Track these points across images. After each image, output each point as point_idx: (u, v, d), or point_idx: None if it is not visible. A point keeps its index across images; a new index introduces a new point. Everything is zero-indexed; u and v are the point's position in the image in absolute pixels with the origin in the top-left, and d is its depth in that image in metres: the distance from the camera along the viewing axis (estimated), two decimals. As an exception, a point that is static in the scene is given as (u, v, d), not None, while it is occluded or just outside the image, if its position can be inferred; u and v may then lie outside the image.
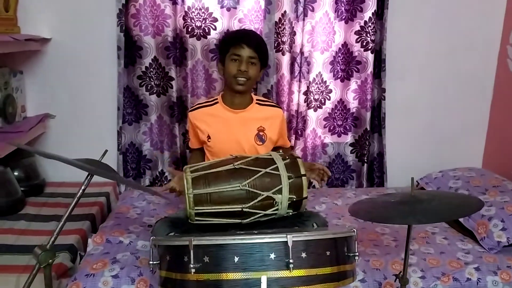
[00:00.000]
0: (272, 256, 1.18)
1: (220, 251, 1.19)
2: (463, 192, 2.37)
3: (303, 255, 1.20)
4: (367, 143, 2.83)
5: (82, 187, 1.45)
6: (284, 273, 1.17)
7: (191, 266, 1.18)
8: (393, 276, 1.82)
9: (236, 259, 1.17)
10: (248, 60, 1.97)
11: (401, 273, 1.59)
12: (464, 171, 2.58)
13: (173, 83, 2.66)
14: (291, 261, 1.16)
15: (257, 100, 2.10)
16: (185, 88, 2.70)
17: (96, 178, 2.51)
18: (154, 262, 1.36)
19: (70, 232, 2.09)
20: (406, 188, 2.81)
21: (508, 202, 2.15)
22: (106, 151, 1.54)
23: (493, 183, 2.38)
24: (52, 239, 1.43)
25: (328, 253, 1.24)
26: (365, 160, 2.86)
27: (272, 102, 2.18)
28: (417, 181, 2.74)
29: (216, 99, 2.09)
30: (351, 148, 2.88)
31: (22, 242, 2.01)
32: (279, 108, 2.15)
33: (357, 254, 1.32)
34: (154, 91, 2.71)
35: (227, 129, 2.03)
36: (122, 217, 2.31)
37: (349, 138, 2.88)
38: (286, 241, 1.17)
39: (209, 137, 2.04)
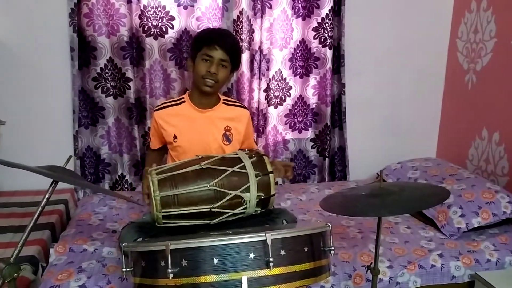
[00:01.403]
0: (252, 255, 1.17)
1: (199, 254, 1.16)
2: (422, 182, 2.46)
3: (282, 252, 1.20)
4: (328, 138, 2.87)
5: (47, 195, 1.38)
6: (265, 272, 1.17)
7: (169, 271, 1.15)
8: (363, 267, 1.88)
9: (215, 261, 1.16)
10: (219, 63, 1.93)
11: (372, 264, 1.63)
12: (421, 162, 2.68)
13: (131, 84, 2.59)
14: (271, 259, 1.16)
15: (223, 100, 2.07)
16: (143, 89, 2.64)
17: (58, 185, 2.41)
18: (127, 270, 1.32)
19: (30, 243, 1.98)
20: (369, 180, 2.91)
21: (465, 189, 2.25)
22: (70, 156, 1.48)
23: (449, 171, 2.49)
24: (16, 251, 1.35)
25: (306, 249, 1.25)
26: (327, 155, 2.90)
27: (239, 102, 2.17)
28: (377, 173, 2.82)
29: (183, 97, 2.05)
30: (312, 143, 2.92)
31: (-23, 256, 1.89)
32: (245, 108, 2.14)
33: (332, 248, 1.33)
34: (111, 93, 2.63)
35: (194, 129, 1.99)
36: (84, 224, 2.22)
37: (309, 133, 2.91)
38: (265, 240, 1.17)
39: (175, 137, 2.00)
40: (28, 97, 2.59)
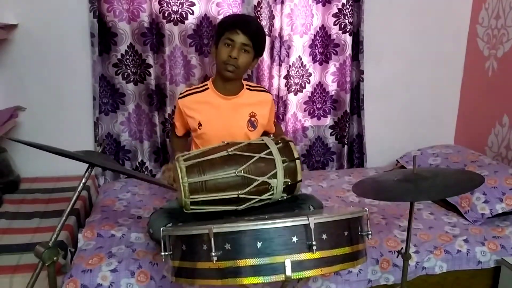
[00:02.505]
0: (295, 239, 1.17)
1: (242, 237, 1.17)
2: (451, 168, 2.46)
3: (324, 236, 1.20)
4: (347, 125, 2.87)
5: (83, 180, 1.38)
6: (308, 256, 1.17)
7: (213, 254, 1.16)
8: (389, 252, 1.89)
9: (259, 244, 1.16)
10: (241, 47, 1.91)
11: (402, 249, 1.64)
12: (441, 149, 2.68)
13: (151, 70, 2.58)
14: (314, 243, 1.16)
15: (247, 85, 2.07)
16: (163, 76, 2.63)
17: (75, 172, 2.43)
18: (166, 253, 1.33)
19: (58, 229, 2.00)
20: (387, 167, 2.92)
21: (488, 176, 2.25)
22: (104, 141, 1.47)
23: (471, 158, 2.49)
24: (55, 235, 1.37)
25: (346, 233, 1.25)
26: (345, 142, 2.90)
27: (261, 87, 2.15)
28: (397, 160, 2.82)
29: (206, 84, 2.04)
30: (331, 130, 2.92)
31: (6, 241, 1.90)
32: (268, 93, 2.13)
33: (370, 232, 1.34)
34: (131, 79, 2.62)
35: (219, 116, 1.99)
36: (109, 210, 2.24)
37: (328, 120, 2.91)
38: (308, 224, 1.17)
39: (200, 124, 1.99)
40: (48, 83, 2.60)
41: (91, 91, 2.61)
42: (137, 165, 2.74)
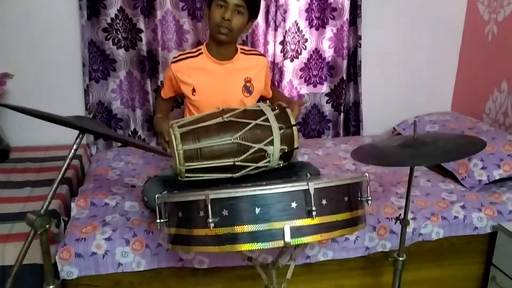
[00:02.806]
0: (294, 205, 1.14)
1: (240, 203, 1.14)
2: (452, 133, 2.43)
3: (324, 202, 1.17)
4: (343, 92, 2.82)
5: (74, 147, 1.34)
6: (307, 221, 1.15)
7: (210, 220, 1.13)
8: (387, 219, 1.88)
9: (257, 210, 1.13)
10: (235, 8, 1.81)
11: (401, 215, 1.63)
12: (439, 115, 2.65)
13: (142, 35, 2.50)
14: (313, 208, 1.13)
15: (241, 49, 1.99)
16: (155, 41, 2.55)
17: (66, 141, 2.38)
18: (162, 220, 1.30)
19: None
20: (384, 135, 2.89)
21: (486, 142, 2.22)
22: (96, 106, 1.42)
23: (468, 125, 2.46)
24: (46, 203, 1.32)
25: (345, 198, 1.23)
26: (341, 110, 2.86)
27: (256, 50, 2.09)
28: (393, 128, 2.79)
29: (200, 49, 1.97)
30: (327, 98, 2.87)
31: (-3, 210, 1.87)
32: (263, 56, 2.06)
33: (369, 198, 1.31)
34: (122, 44, 2.54)
35: (213, 82, 1.93)
36: (102, 179, 2.20)
37: (324, 88, 2.85)
38: (308, 189, 1.14)
39: (194, 90, 1.93)
40: (35, 49, 2.51)
41: (80, 57, 2.53)
42: (130, 134, 2.69)
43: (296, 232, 1.14)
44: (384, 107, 2.94)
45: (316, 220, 1.15)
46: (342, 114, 2.87)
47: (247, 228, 1.13)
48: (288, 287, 1.61)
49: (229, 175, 1.73)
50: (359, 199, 1.30)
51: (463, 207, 1.97)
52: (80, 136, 1.35)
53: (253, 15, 1.92)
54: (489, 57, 2.71)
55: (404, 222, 1.59)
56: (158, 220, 1.30)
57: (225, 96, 1.93)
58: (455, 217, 1.94)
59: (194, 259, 1.73)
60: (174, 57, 1.97)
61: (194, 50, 1.99)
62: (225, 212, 1.15)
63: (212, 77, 1.93)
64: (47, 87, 2.58)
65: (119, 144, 2.71)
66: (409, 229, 1.88)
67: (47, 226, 1.29)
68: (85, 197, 1.96)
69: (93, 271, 1.69)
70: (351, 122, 2.92)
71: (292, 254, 1.46)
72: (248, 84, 1.96)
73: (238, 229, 1.14)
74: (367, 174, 1.33)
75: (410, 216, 1.90)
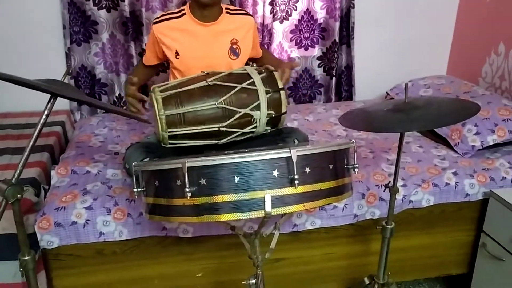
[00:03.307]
0: (275, 173, 1.08)
1: (218, 171, 1.08)
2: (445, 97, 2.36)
3: (307, 170, 1.12)
4: (336, 56, 2.72)
5: (46, 112, 1.26)
6: (289, 190, 1.09)
7: (187, 190, 1.07)
8: (376, 186, 1.83)
9: (236, 179, 1.07)
10: None
11: (390, 183, 1.57)
12: (433, 79, 2.57)
13: (124, -5, 2.39)
14: (296, 177, 1.07)
15: (226, 9, 1.88)
16: (138, 1, 2.43)
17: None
18: (139, 189, 1.24)
19: (30, 165, 1.89)
20: (377, 100, 2.81)
21: (481, 107, 2.15)
22: (69, 67, 1.33)
23: (463, 89, 2.38)
24: (18, 172, 1.26)
25: (330, 166, 1.17)
26: (333, 74, 2.77)
27: (242, 10, 1.98)
28: (387, 92, 2.71)
29: (183, 9, 1.86)
30: (318, 61, 2.77)
31: (-25, 178, 1.80)
32: (250, 15, 1.95)
33: (356, 165, 1.26)
34: (103, 5, 2.42)
35: (198, 45, 1.83)
36: (84, 146, 2.13)
37: (316, 51, 2.75)
38: (290, 157, 1.08)
39: (177, 53, 1.84)
40: (12, 10, 2.39)
41: (60, 18, 2.41)
42: (115, 99, 2.61)
43: (278, 201, 1.09)
44: (377, 71, 2.85)
45: (299, 189, 1.10)
46: (334, 78, 2.78)
47: (226, 197, 1.08)
48: (275, 256, 1.58)
49: (214, 141, 1.67)
50: (345, 166, 1.24)
51: (455, 173, 1.93)
52: (52, 101, 1.28)
53: None
54: (487, 18, 2.60)
55: (393, 190, 1.54)
56: (135, 189, 1.24)
57: (211, 60, 1.84)
58: (447, 184, 1.89)
59: (178, 228, 1.69)
60: (156, 18, 1.86)
61: (177, 10, 1.88)
62: (203, 181, 1.09)
63: (196, 39, 1.83)
64: (27, 51, 2.47)
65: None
66: (399, 196, 1.84)
67: (18, 195, 1.23)
68: (66, 165, 1.90)
69: (74, 240, 1.65)
70: (343, 86, 2.83)
71: (277, 223, 1.41)
72: (234, 46, 1.86)
73: (217, 198, 1.08)
74: (354, 141, 1.27)
75: (400, 183, 1.86)
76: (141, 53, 2.49)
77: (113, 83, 2.58)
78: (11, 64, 2.44)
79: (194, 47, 1.83)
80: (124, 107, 2.62)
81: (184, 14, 1.84)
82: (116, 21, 2.46)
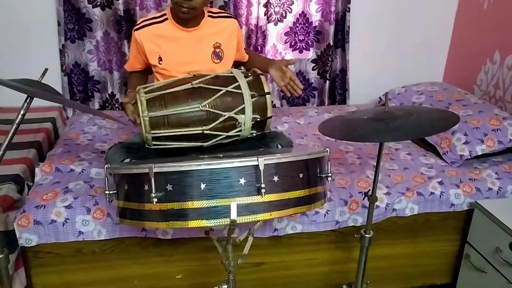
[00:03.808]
0: (242, 181, 1.08)
1: (185, 178, 1.08)
2: (426, 107, 2.34)
3: (275, 178, 1.11)
4: (330, 59, 2.70)
5: (22, 112, 1.26)
6: (256, 199, 1.09)
7: (153, 195, 1.07)
8: (359, 194, 1.82)
9: (202, 186, 1.07)
10: None
11: (370, 191, 1.56)
12: (427, 86, 2.54)
13: (119, -7, 2.39)
14: (262, 185, 1.07)
15: (208, 12, 1.85)
16: (132, 0, 2.43)
17: (40, 102, 2.29)
18: (111, 192, 1.24)
19: (15, 162, 1.91)
20: (370, 105, 2.79)
21: (471, 116, 2.14)
22: (46, 69, 1.33)
23: (456, 97, 2.36)
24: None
25: (301, 175, 1.16)
26: (327, 77, 2.75)
27: (225, 12, 1.94)
28: (379, 98, 2.70)
29: (165, 14, 1.82)
30: (313, 64, 2.76)
31: None
32: (233, 18, 1.92)
33: (330, 174, 1.25)
34: (98, 3, 2.43)
35: (180, 50, 1.80)
36: (72, 143, 2.13)
37: (311, 54, 2.74)
38: (257, 165, 1.07)
39: (160, 59, 1.81)
40: (7, 7, 2.40)
41: (55, 15, 2.42)
42: (107, 97, 2.61)
43: (244, 209, 1.08)
44: (372, 75, 2.83)
45: (266, 198, 1.09)
46: (328, 81, 2.76)
47: (192, 204, 1.08)
48: (256, 260, 1.57)
49: (199, 143, 1.67)
50: (318, 175, 1.23)
51: (440, 183, 1.91)
52: (28, 101, 1.28)
53: None
54: (484, 26, 2.57)
55: (371, 199, 1.53)
56: (106, 192, 1.24)
57: (194, 65, 1.80)
58: (432, 193, 1.88)
59: (157, 229, 1.69)
60: (137, 24, 1.82)
61: (158, 15, 1.83)
62: (169, 187, 1.09)
63: (178, 45, 1.80)
64: (21, 46, 2.48)
65: (96, 107, 2.64)
66: (382, 204, 1.83)
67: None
68: (50, 163, 1.90)
69: (53, 238, 1.65)
70: (337, 90, 2.82)
71: (251, 229, 1.41)
72: (217, 50, 1.84)
73: (183, 205, 1.08)
74: (327, 149, 1.26)
75: (384, 191, 1.85)
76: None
77: (106, 81, 2.58)
78: (4, 60, 2.45)
79: (176, 52, 1.80)
80: (117, 105, 2.63)
81: (166, 19, 1.80)
82: (110, 19, 2.47)
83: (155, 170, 1.07)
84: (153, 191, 1.07)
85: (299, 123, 2.49)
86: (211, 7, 2.15)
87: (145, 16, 2.41)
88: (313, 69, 2.77)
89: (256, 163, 1.07)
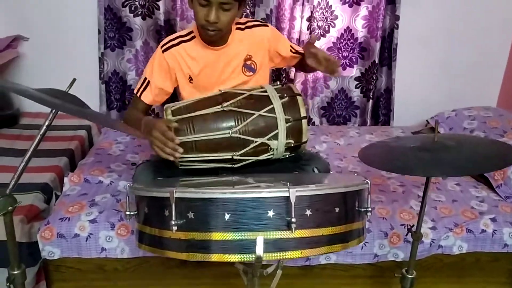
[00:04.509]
0: (271, 213, 0.97)
1: (208, 206, 0.98)
2: (479, 134, 2.16)
3: (308, 212, 0.99)
4: (375, 77, 2.57)
5: (46, 123, 1.22)
6: (285, 234, 0.97)
7: (173, 222, 0.98)
8: (401, 226, 1.67)
9: (227, 216, 0.97)
10: (219, 7, 1.47)
11: (414, 226, 1.42)
12: (480, 111, 2.36)
13: (160, 3, 2.36)
14: (293, 220, 0.96)
15: (237, 24, 1.69)
16: (173, 10, 2.40)
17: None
18: (131, 213, 1.16)
19: (45, 170, 1.88)
20: (416, 127, 2.62)
21: (530, 147, 1.94)
22: (74, 80, 1.28)
23: (512, 125, 2.17)
24: (13, 182, 1.21)
25: (337, 209, 1.04)
26: (371, 96, 2.62)
27: (255, 21, 1.74)
28: (427, 120, 2.53)
29: (192, 32, 1.65)
30: (356, 82, 2.63)
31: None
32: (264, 26, 1.70)
33: (370, 209, 1.12)
34: (139, 12, 2.41)
35: (210, 70, 1.67)
36: (104, 153, 2.10)
37: (354, 71, 2.61)
38: (288, 196, 0.96)
39: (190, 79, 1.68)
40: (51, 13, 2.43)
41: (96, 23, 2.41)
42: (144, 106, 2.58)
43: (272, 245, 0.97)
44: (419, 96, 2.66)
45: (296, 234, 0.98)
46: (371, 101, 2.63)
47: (214, 236, 0.98)
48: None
49: (229, 165, 1.58)
50: (356, 209, 1.10)
51: (493, 220, 1.73)
52: (53, 113, 1.23)
53: (242, 1, 1.58)
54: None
55: (415, 235, 1.38)
56: (127, 212, 1.16)
57: (225, 82, 1.69)
58: (483, 231, 1.70)
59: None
60: (164, 44, 1.65)
61: (185, 32, 1.69)
62: (191, 215, 0.99)
63: (208, 65, 1.66)
64: (62, 52, 2.50)
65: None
66: (427, 240, 1.67)
67: (9, 208, 1.19)
68: (79, 173, 1.86)
69: (75, 253, 1.60)
70: (381, 110, 2.67)
71: (280, 262, 1.29)
72: (248, 62, 1.69)
73: (205, 235, 0.98)
74: (368, 181, 1.14)
75: (429, 224, 1.69)
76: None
77: (144, 91, 2.55)
78: (46, 64, 2.47)
79: (206, 73, 1.67)
80: (153, 115, 2.58)
81: (194, 37, 1.66)
82: (150, 29, 2.44)
83: (176, 195, 0.98)
84: (173, 218, 0.98)
85: (338, 143, 2.36)
86: (240, 17, 2.02)
87: (185, 27, 2.39)
88: (356, 87, 2.64)
89: (287, 194, 0.96)
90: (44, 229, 1.57)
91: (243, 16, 2.32)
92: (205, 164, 1.56)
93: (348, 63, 2.59)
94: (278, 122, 1.50)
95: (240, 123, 1.50)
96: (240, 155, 1.51)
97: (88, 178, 1.84)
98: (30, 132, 2.27)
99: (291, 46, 1.74)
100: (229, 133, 1.48)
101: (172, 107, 1.55)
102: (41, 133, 1.25)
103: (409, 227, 1.42)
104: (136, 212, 1.16)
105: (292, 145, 1.55)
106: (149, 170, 1.61)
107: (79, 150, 2.20)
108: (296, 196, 0.96)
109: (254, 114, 1.51)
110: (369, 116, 2.65)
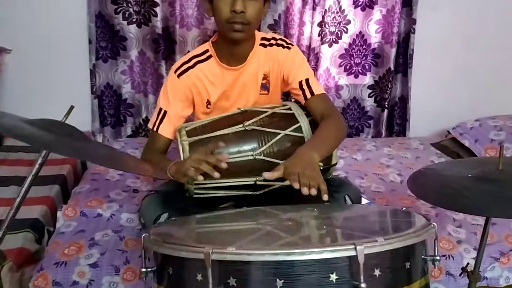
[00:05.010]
0: (333, 277, 0.78)
1: (254, 270, 0.78)
2: (509, 147, 2.00)
3: (377, 272, 0.80)
4: (389, 85, 2.40)
5: (37, 166, 1.02)
6: (352, 303, 0.78)
7: (210, 291, 0.78)
8: (442, 257, 1.49)
9: (279, 282, 0.77)
10: None
11: (469, 266, 1.23)
12: (506, 120, 2.21)
13: (157, 9, 2.17)
14: (362, 285, 0.76)
15: (261, 39, 1.51)
16: (172, 17, 2.21)
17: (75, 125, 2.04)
18: (149, 270, 0.96)
19: (35, 201, 1.66)
20: (433, 138, 2.45)
21: None
22: (71, 107, 1.07)
23: (545, 136, 2.02)
24: (2, 231, 1.00)
25: (407, 265, 0.85)
26: (386, 106, 2.45)
27: (283, 41, 1.52)
28: (447, 131, 2.37)
29: (207, 50, 1.49)
30: (369, 91, 2.47)
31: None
32: (287, 48, 1.50)
33: (438, 258, 0.93)
34: (134, 19, 2.21)
35: (229, 92, 1.51)
36: (100, 179, 1.87)
37: (368, 79, 2.45)
38: (355, 256, 0.77)
39: (208, 103, 1.51)
40: (36, 22, 2.22)
41: (87, 32, 2.20)
42: (141, 122, 2.37)
43: (336, 316, 0.78)
44: (438, 105, 2.51)
45: (365, 300, 0.78)
46: (386, 110, 2.46)
47: (263, 307, 0.78)
48: None
49: (249, 192, 1.41)
50: (422, 257, 0.91)
51: (542, 245, 1.57)
52: (45, 153, 1.03)
53: None
54: None
55: (473, 277, 1.20)
56: (143, 269, 0.96)
57: (242, 103, 1.52)
58: (532, 259, 1.54)
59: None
60: (177, 68, 1.48)
61: (200, 51, 1.50)
62: (232, 281, 0.79)
63: (226, 87, 1.50)
64: (50, 64, 2.28)
65: (128, 133, 2.39)
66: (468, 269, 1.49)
67: (-3, 266, 0.98)
68: (74, 205, 1.64)
69: (74, 303, 1.38)
70: (396, 120, 2.51)
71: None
72: (264, 82, 1.52)
73: (251, 307, 0.78)
74: (435, 224, 0.95)
75: (472, 254, 1.52)
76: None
77: (140, 105, 2.35)
78: (33, 78, 2.26)
79: (225, 95, 1.51)
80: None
81: (210, 56, 1.48)
82: (146, 38, 2.24)
83: (213, 257, 0.78)
84: (211, 285, 0.78)
85: (356, 159, 2.18)
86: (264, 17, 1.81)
87: (185, 35, 2.20)
88: (369, 96, 2.48)
89: (353, 253, 0.77)
90: (38, 277, 1.35)
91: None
92: (223, 192, 1.39)
93: (360, 71, 2.43)
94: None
95: (264, 144, 1.35)
96: (264, 180, 1.32)
97: (84, 211, 1.62)
98: (16, 155, 2.05)
99: (306, 80, 1.48)
100: (252, 155, 1.33)
101: (186, 127, 1.38)
102: (33, 173, 1.05)
103: (463, 267, 1.24)
104: (155, 268, 0.95)
105: (322, 168, 1.37)
106: (156, 202, 1.41)
107: (72, 175, 1.98)
108: (365, 254, 0.77)
109: (280, 133, 1.36)
110: (383, 126, 2.48)
